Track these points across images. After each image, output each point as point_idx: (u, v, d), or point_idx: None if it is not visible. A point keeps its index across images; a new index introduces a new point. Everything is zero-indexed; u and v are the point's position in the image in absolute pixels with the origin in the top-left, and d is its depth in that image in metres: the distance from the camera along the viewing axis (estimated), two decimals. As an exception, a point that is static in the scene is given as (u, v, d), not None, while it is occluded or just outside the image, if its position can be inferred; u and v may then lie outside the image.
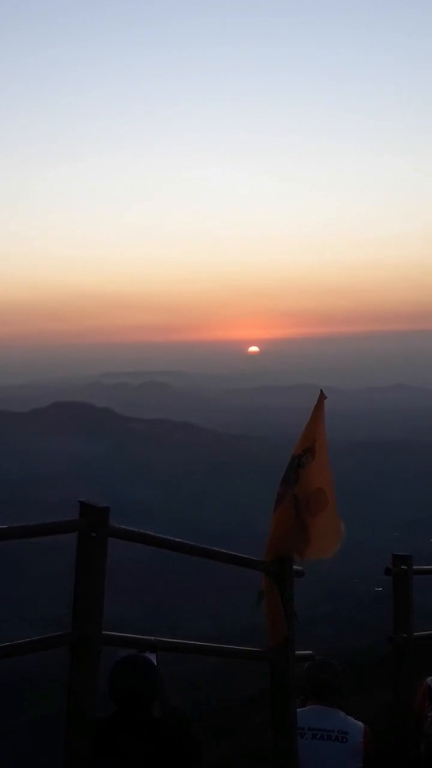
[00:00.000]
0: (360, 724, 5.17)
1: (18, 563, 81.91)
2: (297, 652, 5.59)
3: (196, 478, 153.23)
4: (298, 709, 5.27)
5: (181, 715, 4.19)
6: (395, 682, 6.96)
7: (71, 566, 4.37)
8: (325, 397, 5.35)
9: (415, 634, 6.91)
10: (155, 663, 4.29)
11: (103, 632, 4.37)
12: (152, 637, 4.72)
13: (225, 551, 5.55)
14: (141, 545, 5.01)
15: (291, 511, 5.21)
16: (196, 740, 4.15)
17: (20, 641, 4.23)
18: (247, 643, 6.51)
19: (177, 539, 5.08)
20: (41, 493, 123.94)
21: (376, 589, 65.41)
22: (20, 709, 33.01)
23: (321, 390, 5.39)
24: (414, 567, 6.98)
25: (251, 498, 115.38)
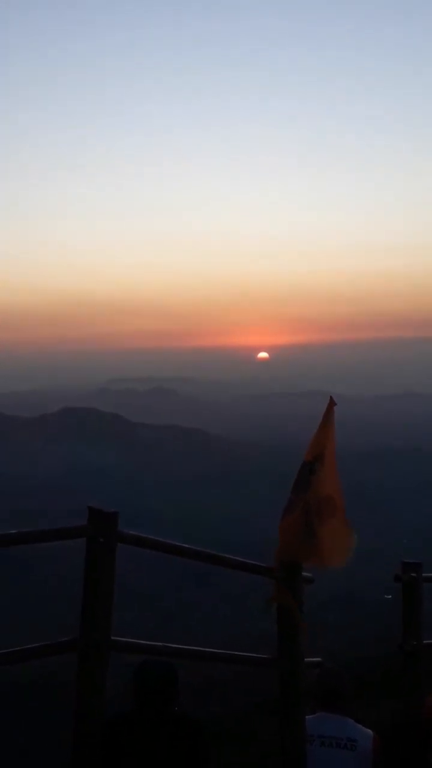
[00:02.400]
0: (369, 731, 5.15)
1: (27, 569, 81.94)
2: (306, 660, 5.58)
3: (204, 484, 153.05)
4: (307, 717, 5.25)
5: (196, 719, 4.24)
6: (405, 691, 6.92)
7: (80, 572, 4.37)
8: (335, 404, 5.35)
9: (425, 642, 6.88)
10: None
11: (112, 638, 4.37)
12: (160, 643, 4.72)
13: (233, 557, 5.54)
14: (149, 551, 5.01)
15: (301, 518, 5.20)
16: (208, 742, 4.19)
17: (29, 647, 4.23)
18: (255, 651, 6.49)
19: (185, 545, 5.08)
20: (49, 498, 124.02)
21: (385, 597, 65.13)
22: (29, 715, 32.98)
23: (331, 396, 5.38)
24: (424, 575, 6.95)
25: (260, 505, 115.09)
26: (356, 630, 62.91)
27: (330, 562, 5.37)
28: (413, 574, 6.83)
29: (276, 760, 5.61)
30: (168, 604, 79.79)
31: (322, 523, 5.26)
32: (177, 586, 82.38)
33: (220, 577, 70.56)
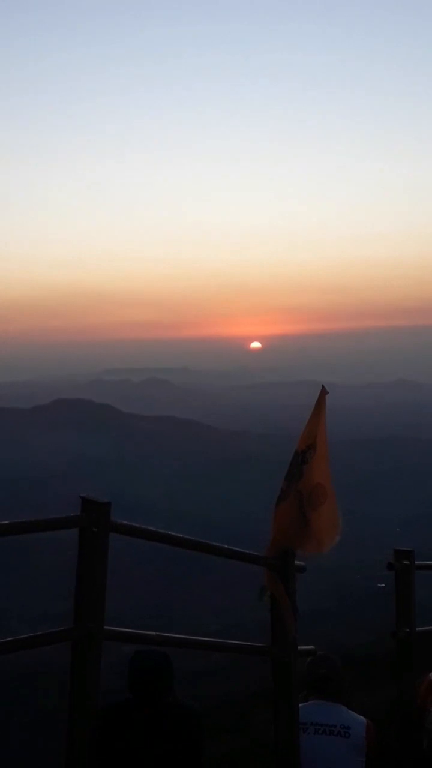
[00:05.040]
0: (362, 718, 5.17)
1: (20, 559, 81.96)
2: (299, 648, 5.60)
3: (198, 474, 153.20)
4: (300, 705, 5.27)
5: (195, 707, 4.24)
6: (398, 677, 6.96)
7: (73, 562, 4.38)
8: (327, 392, 5.34)
9: (418, 629, 6.91)
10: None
11: (105, 627, 4.38)
12: (153, 632, 4.73)
13: (227, 546, 5.55)
14: (143, 541, 5.01)
15: (294, 506, 5.21)
16: (203, 730, 4.19)
17: (23, 636, 4.23)
18: (249, 639, 6.51)
19: (179, 534, 5.08)
20: (43, 489, 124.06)
21: (378, 585, 65.40)
22: (22, 705, 33.04)
23: (323, 385, 5.38)
24: (416, 562, 6.97)
25: (253, 494, 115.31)
26: (351, 617, 63.12)
27: (319, 548, 5.39)
28: (405, 562, 6.85)
29: (270, 748, 5.64)
30: (162, 594, 79.92)
31: (314, 510, 5.27)
32: (171, 575, 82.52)
33: (214, 566, 70.65)
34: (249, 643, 6.12)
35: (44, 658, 30.75)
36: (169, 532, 5.03)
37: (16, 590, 78.30)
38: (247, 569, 6.14)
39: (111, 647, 4.42)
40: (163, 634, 4.84)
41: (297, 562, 5.55)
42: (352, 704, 5.43)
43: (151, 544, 5.24)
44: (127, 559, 68.23)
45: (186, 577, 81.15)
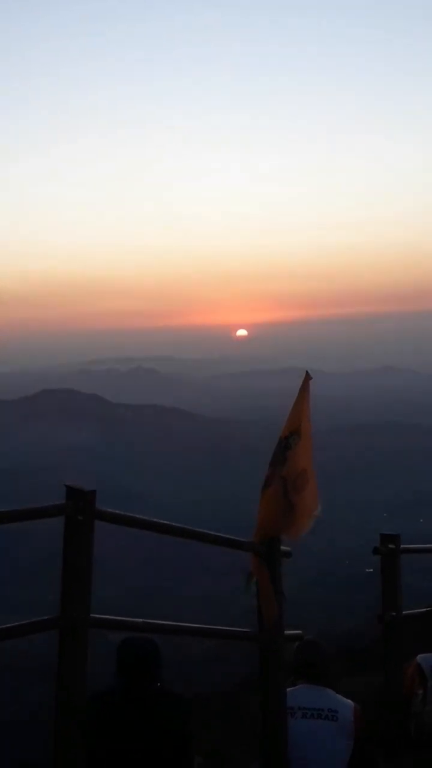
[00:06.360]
0: (350, 702, 5.19)
1: (5, 548, 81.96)
2: (286, 633, 5.61)
3: (185, 463, 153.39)
4: (288, 689, 5.29)
5: (179, 695, 4.24)
6: (385, 661, 6.99)
7: (59, 550, 4.37)
8: (311, 378, 5.35)
9: (404, 612, 6.94)
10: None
11: (92, 615, 4.38)
12: (140, 620, 4.73)
13: (213, 533, 5.56)
14: (129, 529, 5.00)
15: (279, 492, 5.22)
16: (191, 718, 4.19)
17: (9, 625, 4.23)
18: (237, 626, 6.52)
19: (164, 521, 5.08)
20: (30, 480, 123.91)
21: (366, 570, 65.73)
22: (9, 694, 33.09)
23: (306, 371, 5.39)
24: (402, 546, 7.00)
25: (240, 482, 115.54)
26: (338, 602, 63.49)
27: (301, 530, 5.41)
28: (391, 546, 6.89)
29: (258, 734, 5.65)
30: (148, 582, 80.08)
31: (297, 495, 5.29)
32: (158, 563, 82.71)
33: (201, 553, 70.84)
34: (237, 629, 6.14)
35: (32, 646, 30.83)
36: (155, 520, 5.03)
37: (3, 579, 78.32)
38: (235, 556, 6.15)
39: (98, 635, 4.42)
40: (150, 621, 4.84)
41: (283, 548, 5.56)
42: (338, 688, 5.45)
43: (138, 531, 5.24)
44: (114, 547, 68.31)
45: (173, 564, 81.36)
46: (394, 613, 6.84)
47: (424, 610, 7.25)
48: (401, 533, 7.16)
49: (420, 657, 6.23)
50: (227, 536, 5.65)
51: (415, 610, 7.39)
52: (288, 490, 5.22)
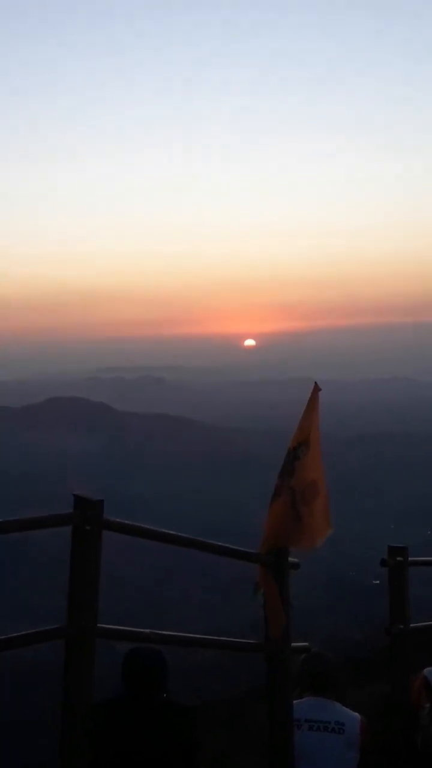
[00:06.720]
0: (356, 715, 5.18)
1: (12, 557, 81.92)
2: (293, 645, 5.60)
3: (193, 472, 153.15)
4: (294, 701, 5.28)
5: (185, 705, 4.25)
6: (392, 674, 6.97)
7: (66, 560, 4.37)
8: (320, 389, 5.36)
9: (412, 625, 6.91)
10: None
11: (99, 625, 4.37)
12: (148, 630, 4.73)
13: (221, 544, 5.56)
14: (138, 540, 5.00)
15: (288, 503, 5.22)
16: (197, 728, 4.20)
17: (15, 635, 4.23)
18: (244, 636, 6.52)
19: (171, 532, 5.08)
20: (37, 488, 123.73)
21: (373, 582, 65.51)
22: (16, 703, 33.05)
23: (315, 382, 5.40)
24: (410, 558, 6.98)
25: (248, 492, 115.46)
26: (345, 614, 63.25)
27: (311, 544, 5.40)
28: (399, 558, 6.86)
29: (265, 745, 5.64)
30: (156, 592, 79.92)
31: (306, 506, 5.28)
32: (165, 573, 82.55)
33: (208, 564, 70.67)
34: (243, 641, 6.13)
35: (38, 656, 30.79)
36: (163, 530, 5.03)
37: (10, 588, 78.27)
38: (242, 567, 6.14)
39: (105, 645, 4.42)
40: (157, 631, 4.84)
41: (291, 559, 5.56)
42: (345, 701, 5.44)
43: (146, 541, 5.24)
44: (121, 557, 68.22)
45: (180, 574, 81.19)
46: (401, 626, 6.81)
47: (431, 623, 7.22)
48: (408, 543, 7.13)
49: (427, 670, 6.21)
50: (235, 547, 5.64)
51: (422, 624, 7.37)
52: (296, 501, 5.22)
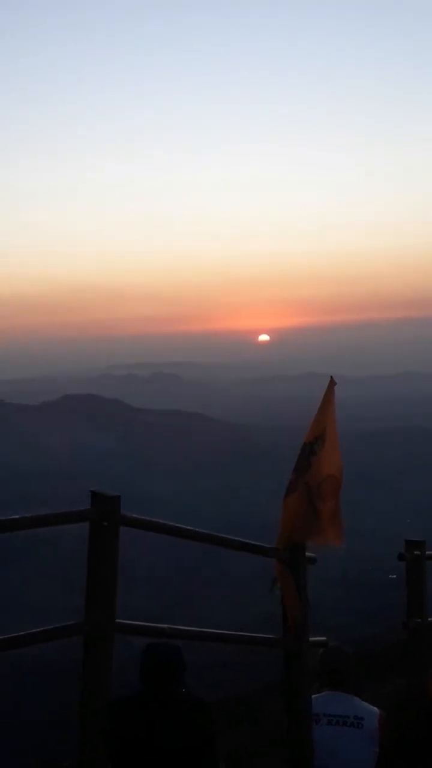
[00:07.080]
0: (375, 709, 5.17)
1: (30, 553, 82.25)
2: (311, 639, 5.60)
3: (207, 468, 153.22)
4: (313, 696, 5.28)
5: (203, 700, 4.26)
6: (409, 668, 6.96)
7: (84, 556, 4.39)
8: (335, 384, 5.35)
9: (429, 619, 6.90)
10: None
11: (116, 620, 4.39)
12: (165, 625, 4.73)
13: (237, 539, 5.56)
14: (153, 534, 5.01)
15: (303, 498, 5.21)
16: (214, 723, 4.20)
17: (34, 631, 4.25)
18: (260, 631, 6.51)
19: (188, 527, 5.09)
20: (52, 484, 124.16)
21: (390, 576, 65.39)
22: (35, 698, 33.17)
23: (331, 377, 5.39)
24: (427, 552, 6.97)
25: (263, 487, 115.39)
26: (362, 608, 63.21)
27: (332, 541, 5.39)
28: (416, 552, 6.85)
29: (282, 739, 5.65)
30: (173, 587, 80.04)
31: (325, 502, 5.27)
32: (182, 568, 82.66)
33: (225, 559, 70.74)
34: (261, 635, 6.13)
35: (45, 654, 30.89)
36: (180, 525, 5.04)
37: (28, 584, 78.59)
38: (258, 561, 6.15)
39: (122, 640, 4.43)
40: (174, 626, 4.85)
41: (308, 554, 5.55)
42: (363, 695, 5.43)
43: (162, 537, 5.25)
44: (138, 553, 68.38)
45: (197, 569, 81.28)
46: (419, 620, 6.80)
47: None
48: (425, 538, 7.12)
49: (444, 663, 6.21)
50: (251, 542, 5.64)
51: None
52: (312, 496, 5.20)
